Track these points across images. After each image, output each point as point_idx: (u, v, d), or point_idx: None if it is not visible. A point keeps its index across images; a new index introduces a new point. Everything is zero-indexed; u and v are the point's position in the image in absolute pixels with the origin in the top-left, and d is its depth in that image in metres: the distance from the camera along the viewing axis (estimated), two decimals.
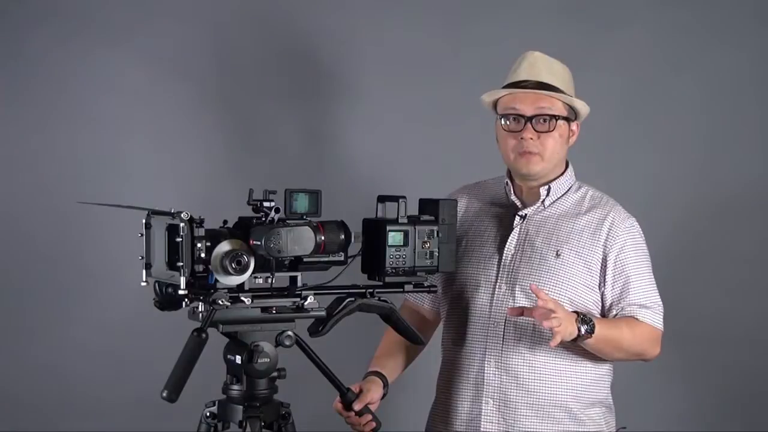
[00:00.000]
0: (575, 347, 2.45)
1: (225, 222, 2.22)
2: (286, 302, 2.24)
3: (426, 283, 2.39)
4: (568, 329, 2.33)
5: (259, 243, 2.13)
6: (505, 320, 2.47)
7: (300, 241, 2.17)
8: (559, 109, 2.49)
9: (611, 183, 3.53)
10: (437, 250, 2.36)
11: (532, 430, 2.47)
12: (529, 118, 2.47)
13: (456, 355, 2.56)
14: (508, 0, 3.60)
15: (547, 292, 2.36)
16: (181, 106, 3.44)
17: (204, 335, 2.11)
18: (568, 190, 2.57)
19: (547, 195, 2.53)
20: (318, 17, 3.51)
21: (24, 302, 3.34)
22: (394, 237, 2.31)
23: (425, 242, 2.34)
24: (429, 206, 2.40)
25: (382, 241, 2.30)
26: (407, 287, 2.36)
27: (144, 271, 2.19)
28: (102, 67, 3.36)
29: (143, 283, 2.20)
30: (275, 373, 2.25)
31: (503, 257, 2.52)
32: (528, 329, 2.46)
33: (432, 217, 2.37)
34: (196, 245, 2.10)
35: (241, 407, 2.23)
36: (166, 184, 3.38)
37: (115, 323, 3.36)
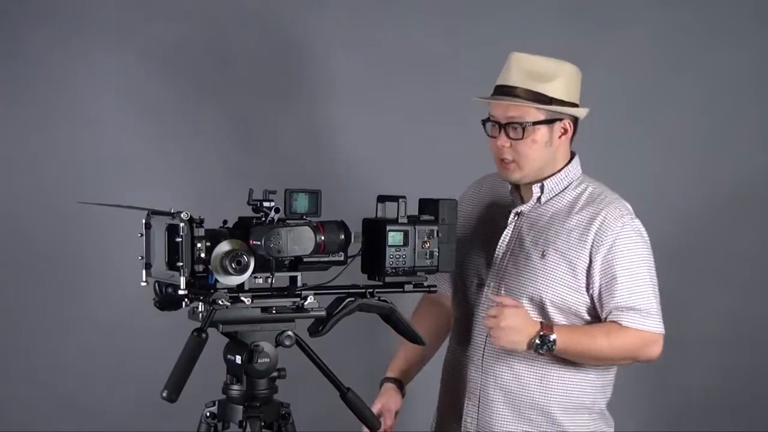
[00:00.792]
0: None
1: (225, 222, 2.22)
2: (286, 302, 2.24)
3: (426, 283, 2.39)
4: (512, 338, 2.33)
5: (259, 243, 2.13)
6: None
7: (300, 241, 2.17)
8: (533, 115, 2.43)
9: (611, 183, 3.53)
10: (437, 250, 2.35)
11: (508, 430, 2.47)
12: (503, 126, 2.45)
13: (451, 353, 2.61)
14: (508, 0, 3.60)
15: (530, 293, 2.39)
16: (181, 106, 3.44)
17: (204, 335, 2.11)
18: (567, 186, 2.52)
19: (542, 193, 2.51)
20: (318, 17, 3.51)
21: (24, 302, 3.34)
22: (394, 237, 2.31)
23: (425, 242, 2.34)
24: (429, 206, 2.40)
25: (382, 241, 2.30)
26: (407, 287, 2.36)
27: (144, 271, 2.19)
28: (102, 67, 3.36)
29: (143, 283, 2.20)
30: (275, 373, 2.24)
31: (495, 255, 2.53)
32: None
33: (432, 217, 2.37)
34: (196, 245, 2.10)
35: (241, 407, 2.23)
36: (166, 184, 3.38)
37: (115, 323, 3.36)
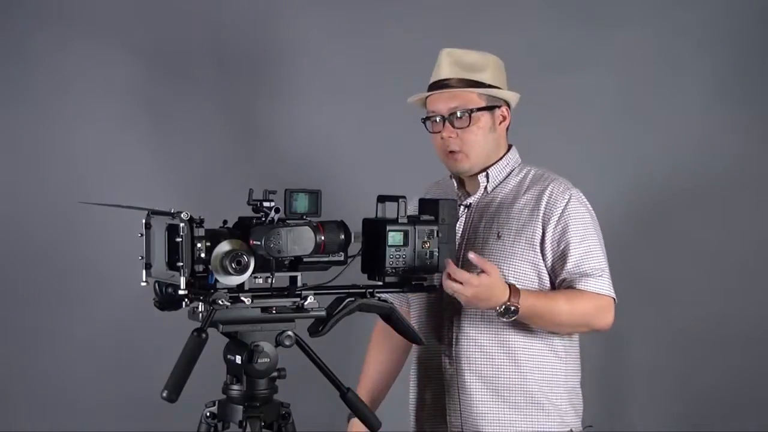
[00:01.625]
0: (518, 324, 2.44)
1: (225, 222, 2.22)
2: (286, 302, 2.24)
3: (426, 283, 2.39)
4: (477, 305, 2.34)
5: (259, 243, 2.13)
6: (452, 307, 2.49)
7: (300, 241, 2.17)
8: (475, 101, 2.52)
9: (610, 182, 3.55)
10: (437, 250, 2.36)
11: (488, 412, 2.48)
12: (446, 118, 2.52)
13: (422, 351, 2.60)
14: (508, 0, 3.60)
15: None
16: (181, 106, 3.44)
17: (204, 335, 2.11)
18: (510, 173, 2.58)
19: (488, 181, 2.57)
20: (318, 17, 3.51)
21: (24, 302, 3.34)
22: (394, 237, 2.31)
23: (425, 242, 2.34)
24: (429, 206, 2.40)
25: (382, 241, 2.30)
26: (407, 287, 2.36)
27: (144, 271, 2.19)
28: (102, 67, 3.36)
29: (143, 283, 2.20)
30: (275, 373, 2.24)
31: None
32: (476, 313, 2.47)
33: (432, 217, 2.37)
34: (196, 245, 2.10)
35: (241, 407, 2.23)
36: (166, 184, 3.38)
37: (115, 323, 3.36)
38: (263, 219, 2.18)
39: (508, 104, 2.59)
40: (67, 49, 3.34)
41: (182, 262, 2.08)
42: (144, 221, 2.19)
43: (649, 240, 3.63)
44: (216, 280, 2.14)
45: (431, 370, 2.58)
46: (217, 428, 2.30)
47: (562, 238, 2.46)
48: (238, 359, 2.21)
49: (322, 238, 2.21)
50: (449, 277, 2.32)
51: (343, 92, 3.53)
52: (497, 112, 2.56)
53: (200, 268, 2.11)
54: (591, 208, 2.53)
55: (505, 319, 2.38)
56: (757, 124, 3.67)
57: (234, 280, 2.14)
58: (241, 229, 2.18)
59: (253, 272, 2.16)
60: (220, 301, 2.15)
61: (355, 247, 2.30)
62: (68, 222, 3.33)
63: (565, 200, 2.49)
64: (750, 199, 3.67)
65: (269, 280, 2.20)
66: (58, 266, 3.35)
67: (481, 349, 2.49)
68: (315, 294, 2.26)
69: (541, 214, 2.48)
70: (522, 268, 2.48)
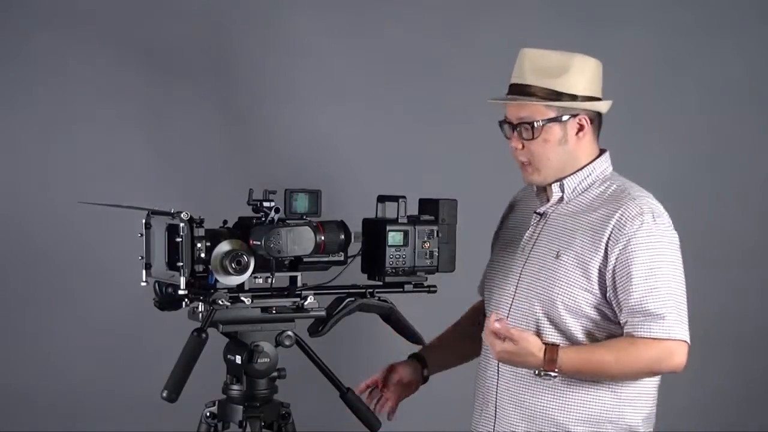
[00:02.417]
0: None
1: (225, 222, 2.22)
2: (286, 302, 2.24)
3: (426, 283, 2.39)
4: (511, 361, 2.25)
5: (259, 243, 2.13)
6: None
7: (300, 241, 2.17)
8: (542, 113, 2.32)
9: None
10: (437, 250, 2.35)
11: None
12: (515, 126, 2.35)
13: (483, 353, 2.51)
14: (508, 0, 3.60)
15: (541, 294, 2.30)
16: (182, 106, 3.44)
17: (204, 335, 2.11)
18: (592, 185, 2.39)
19: (562, 192, 2.38)
20: (318, 17, 3.51)
21: (24, 302, 3.33)
22: (394, 237, 2.31)
23: (425, 242, 2.34)
24: (429, 206, 2.40)
25: (382, 241, 2.30)
26: (407, 287, 2.36)
27: (144, 271, 2.19)
28: (102, 67, 3.36)
29: (143, 283, 2.20)
30: (275, 373, 2.25)
31: (516, 258, 2.43)
32: None
33: (432, 217, 2.37)
34: (196, 245, 2.10)
35: (241, 407, 2.23)
36: (166, 184, 3.38)
37: (115, 323, 3.36)
38: (263, 219, 2.19)
39: (590, 110, 2.35)
40: (67, 49, 3.33)
41: (182, 262, 2.08)
42: (144, 221, 2.19)
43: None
44: (216, 280, 2.14)
45: (482, 373, 2.47)
46: (217, 428, 2.30)
47: (625, 269, 2.24)
48: (238, 359, 2.21)
49: (322, 238, 2.22)
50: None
51: (343, 92, 3.52)
52: (571, 122, 2.33)
53: (200, 268, 2.12)
54: (672, 237, 2.31)
55: (546, 379, 2.24)
56: (757, 124, 3.68)
57: (234, 280, 2.14)
58: (241, 229, 2.19)
59: (253, 272, 2.16)
60: (220, 301, 2.15)
61: (355, 247, 2.30)
62: (68, 222, 3.32)
63: (635, 226, 2.26)
64: (750, 198, 3.67)
65: (269, 280, 2.20)
66: (58, 266, 3.34)
67: (521, 376, 2.35)
68: (315, 294, 2.27)
69: (605, 239, 2.27)
70: (574, 295, 2.29)
